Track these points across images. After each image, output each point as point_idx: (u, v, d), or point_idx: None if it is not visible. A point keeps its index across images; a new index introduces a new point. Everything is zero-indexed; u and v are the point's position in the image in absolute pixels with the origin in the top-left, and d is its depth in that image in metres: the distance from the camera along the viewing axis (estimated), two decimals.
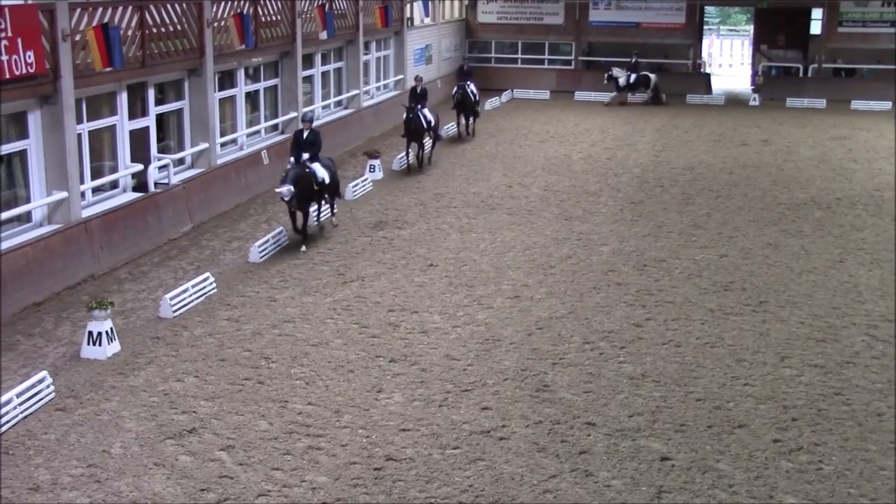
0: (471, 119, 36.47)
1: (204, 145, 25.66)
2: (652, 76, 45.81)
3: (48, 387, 14.41)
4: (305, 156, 22.38)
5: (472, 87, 35.83)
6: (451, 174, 30.15)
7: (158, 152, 24.25)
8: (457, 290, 19.44)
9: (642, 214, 25.49)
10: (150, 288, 19.45)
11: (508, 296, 19.15)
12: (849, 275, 20.80)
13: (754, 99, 47.69)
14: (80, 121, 20.76)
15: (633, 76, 45.38)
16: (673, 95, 47.19)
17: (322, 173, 22.52)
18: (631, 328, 17.58)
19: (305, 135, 22.64)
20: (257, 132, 29.66)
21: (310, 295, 19.08)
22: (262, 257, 21.36)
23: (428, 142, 31.65)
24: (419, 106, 30.21)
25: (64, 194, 19.81)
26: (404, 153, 30.83)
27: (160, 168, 23.64)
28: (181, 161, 25.23)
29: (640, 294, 19.37)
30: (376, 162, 29.51)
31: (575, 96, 48.64)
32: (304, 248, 21.88)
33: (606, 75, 45.77)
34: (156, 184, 23.31)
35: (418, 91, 30.85)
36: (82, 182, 20.83)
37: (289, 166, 22.31)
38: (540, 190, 28.02)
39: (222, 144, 27.08)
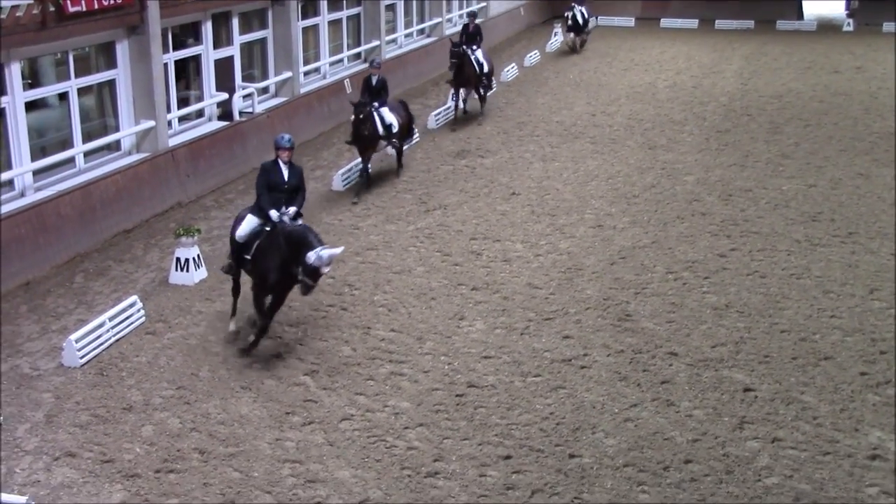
0: (480, 92, 28.04)
1: (287, 74, 25.76)
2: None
3: (138, 311, 14.77)
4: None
5: (477, 52, 27.49)
6: (533, 102, 29.89)
7: (243, 81, 24.41)
8: (539, 218, 19.37)
9: (728, 143, 25.04)
10: (235, 215, 19.69)
11: (591, 225, 19.04)
12: None
13: (848, 24, 46.25)
14: (166, 50, 20.96)
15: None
16: (762, 22, 46.02)
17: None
18: (715, 258, 17.38)
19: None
20: (340, 61, 29.67)
21: (392, 223, 19.18)
22: (345, 185, 21.48)
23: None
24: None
25: (151, 123, 20.10)
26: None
27: (244, 97, 23.82)
28: (265, 90, 25.38)
29: (724, 224, 19.11)
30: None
31: (660, 23, 47.69)
32: (355, 199, 20.44)
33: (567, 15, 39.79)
34: (240, 112, 23.50)
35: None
36: (169, 111, 21.10)
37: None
38: (624, 118, 27.67)
39: (305, 73, 27.17)
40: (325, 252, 12.70)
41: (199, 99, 22.94)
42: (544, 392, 12.85)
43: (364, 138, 20.83)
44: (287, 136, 13.80)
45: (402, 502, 10.59)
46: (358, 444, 11.65)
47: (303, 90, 26.48)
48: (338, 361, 13.65)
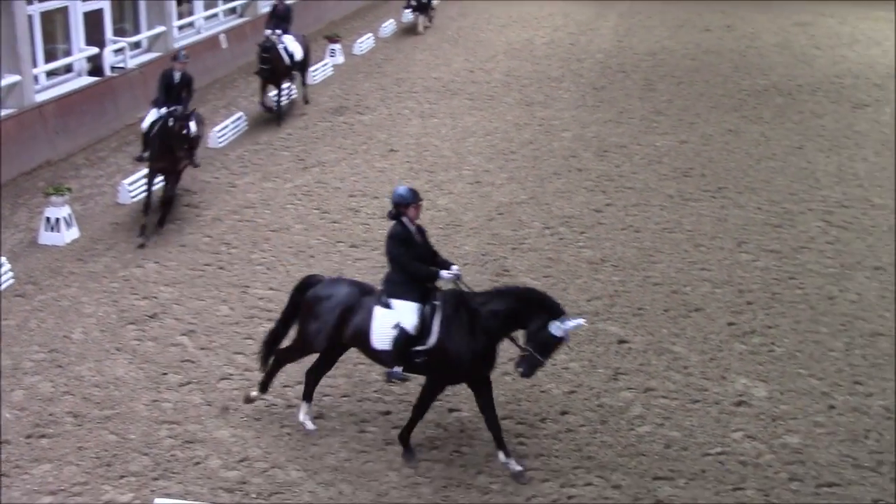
0: (284, 91, 23.34)
1: (160, 28, 25.15)
2: None
3: (6, 272, 14.35)
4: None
5: (286, 39, 22.94)
6: (412, 59, 29.80)
7: (114, 35, 23.74)
8: (417, 175, 19.40)
9: (604, 100, 25.41)
10: (108, 174, 19.26)
11: (469, 181, 19.16)
12: (807, 161, 20.96)
13: None
14: (30, 1, 20.24)
15: None
16: None
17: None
18: (591, 213, 17.69)
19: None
20: (215, 15, 29.07)
21: (270, 180, 18.98)
22: (221, 143, 21.15)
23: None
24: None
25: (16, 78, 19.42)
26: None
27: (116, 52, 23.17)
28: (137, 45, 24.73)
29: (600, 180, 19.44)
30: (337, 46, 29.05)
31: None
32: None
33: None
34: (112, 68, 22.87)
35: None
36: (35, 65, 20.41)
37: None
38: (501, 75, 27.80)
39: (179, 28, 26.55)
40: (572, 322, 9.98)
41: (68, 53, 22.24)
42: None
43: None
44: (409, 190, 10.69)
45: (281, 460, 10.58)
46: (237, 403, 11.58)
47: (176, 45, 25.87)
48: (215, 321, 13.51)
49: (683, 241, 16.58)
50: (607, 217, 17.56)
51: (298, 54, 23.13)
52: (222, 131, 21.37)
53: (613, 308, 14.22)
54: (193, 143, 16.60)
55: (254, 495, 10.05)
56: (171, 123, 16.00)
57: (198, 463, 10.49)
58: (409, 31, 33.58)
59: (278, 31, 22.75)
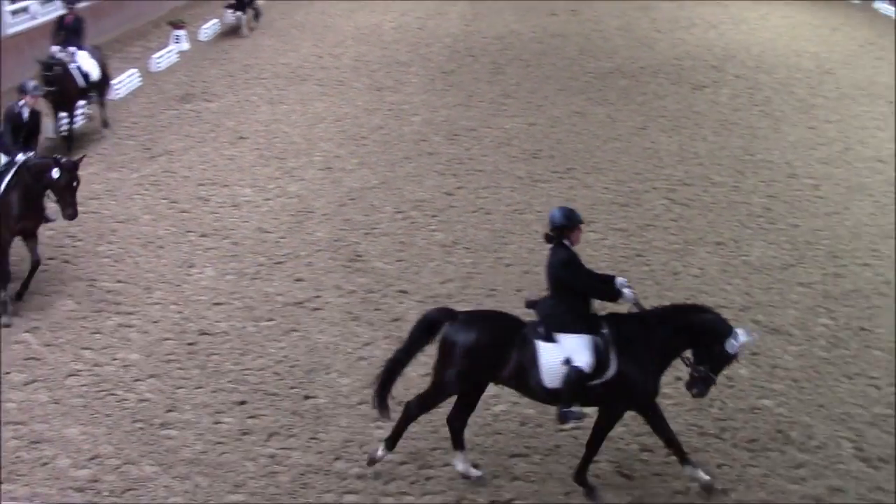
0: (78, 114, 20.03)
1: None
2: None
3: None
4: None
5: (79, 61, 19.32)
6: (259, 45, 29.40)
7: None
8: (268, 162, 19.19)
9: (453, 84, 25.57)
10: None
11: (320, 167, 19.05)
12: (651, 141, 21.55)
13: None
14: None
15: None
16: None
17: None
18: (442, 197, 17.82)
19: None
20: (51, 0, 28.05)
21: (115, 171, 18.48)
22: (62, 132, 20.43)
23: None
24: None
25: None
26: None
27: None
28: None
29: (450, 163, 19.59)
30: (182, 32, 28.42)
31: None
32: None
33: None
34: None
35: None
36: None
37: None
38: (350, 60, 27.70)
39: (13, 13, 25.54)
40: (747, 338, 9.78)
41: None
42: (277, 336, 12.86)
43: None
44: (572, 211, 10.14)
45: (134, 455, 10.36)
46: (86, 399, 11.28)
47: (10, 31, 24.89)
48: (61, 316, 13.11)
49: (534, 222, 16.85)
50: (458, 200, 17.71)
51: (95, 73, 19.49)
52: (61, 121, 20.66)
53: (466, 290, 14.37)
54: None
55: (106, 493, 9.81)
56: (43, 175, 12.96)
57: (45, 463, 10.18)
58: (232, 33, 30.12)
59: (70, 49, 19.02)
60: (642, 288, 14.58)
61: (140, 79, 23.98)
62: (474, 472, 10.30)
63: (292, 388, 11.73)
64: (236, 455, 10.48)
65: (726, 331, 9.67)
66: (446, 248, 15.73)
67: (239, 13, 30.19)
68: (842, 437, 11.37)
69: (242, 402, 11.39)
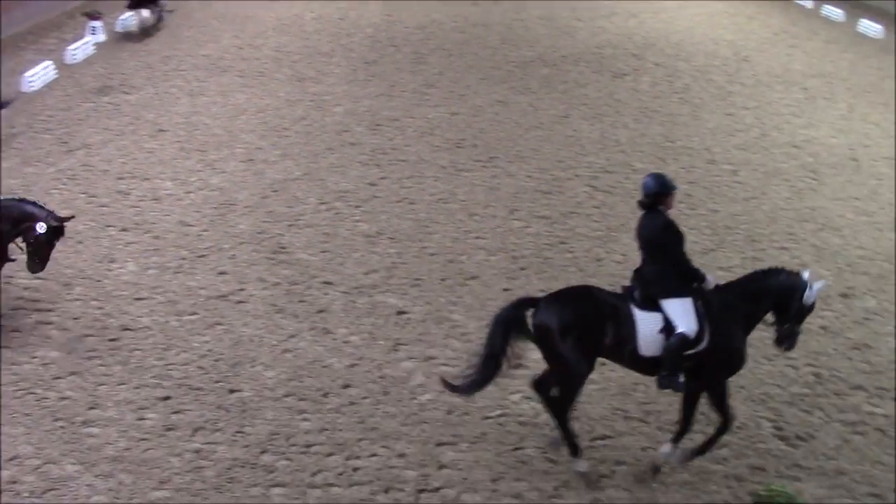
0: None
1: None
2: None
3: None
4: None
5: None
6: (178, 36, 28.97)
7: None
8: (189, 154, 18.95)
9: (375, 74, 25.49)
10: None
11: (242, 159, 18.87)
12: (573, 129, 21.71)
13: None
14: None
15: None
16: None
17: None
18: (366, 187, 17.77)
19: None
20: None
21: (31, 165, 18.09)
22: None
23: None
24: None
25: None
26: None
27: None
28: None
29: (374, 153, 19.54)
30: (98, 23, 27.87)
31: None
32: None
33: None
34: None
35: None
36: None
37: None
38: (271, 51, 27.42)
39: None
40: (818, 284, 10.24)
41: None
42: (201, 329, 12.74)
43: None
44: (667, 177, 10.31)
45: (55, 455, 10.19)
46: (4, 399, 11.06)
47: None
48: None
49: (458, 211, 16.90)
50: (382, 190, 17.69)
51: None
52: None
53: (391, 280, 14.37)
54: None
55: (26, 494, 9.65)
56: None
57: None
58: (131, 36, 27.75)
59: None
60: (566, 275, 14.75)
61: (55, 71, 23.49)
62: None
63: (217, 382, 11.64)
64: (161, 451, 10.37)
65: (803, 285, 10.05)
66: (370, 239, 15.70)
67: (145, 12, 28.21)
68: (761, 417, 11.60)
69: (166, 398, 11.27)
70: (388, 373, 12.03)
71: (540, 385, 10.34)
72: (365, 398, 11.48)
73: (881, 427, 11.45)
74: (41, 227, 11.89)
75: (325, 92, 23.62)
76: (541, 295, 10.43)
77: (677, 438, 10.36)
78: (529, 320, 9.97)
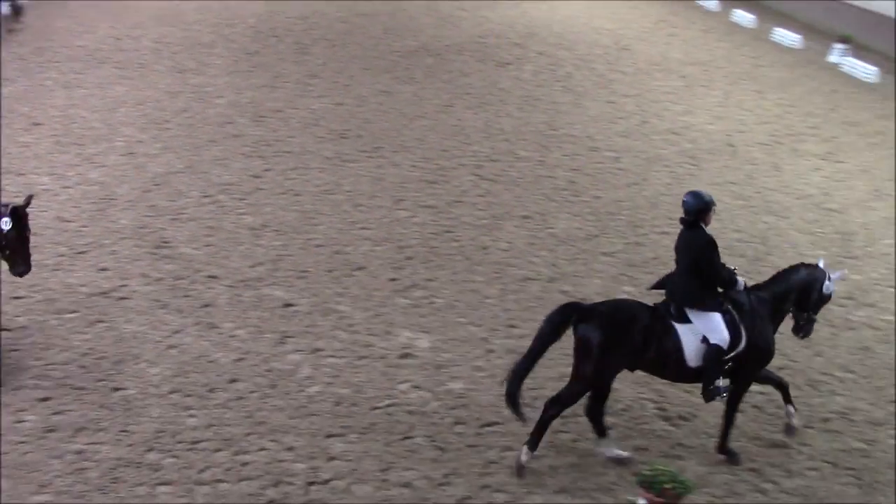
0: None
1: None
2: None
3: None
4: None
5: None
6: (52, 26, 28.20)
7: None
8: (66, 148, 18.47)
9: (258, 65, 25.22)
10: None
11: (122, 153, 18.46)
12: (457, 118, 21.81)
13: None
14: None
15: None
16: None
17: None
18: (250, 179, 17.58)
19: None
20: None
21: None
22: None
23: None
24: None
25: None
26: None
27: None
28: None
29: (257, 145, 19.33)
30: None
31: None
32: None
33: None
34: None
35: None
36: None
37: None
38: (151, 42, 26.91)
39: None
40: (836, 274, 11.07)
41: None
42: (82, 328, 12.43)
43: None
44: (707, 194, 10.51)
45: None
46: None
47: None
48: None
49: (343, 202, 16.83)
50: (266, 182, 17.51)
51: None
52: None
53: (277, 272, 14.24)
54: None
55: None
56: None
57: None
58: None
59: None
60: (453, 263, 14.83)
61: None
62: (623, 454, 10.53)
63: (100, 380, 11.37)
64: (41, 454, 10.08)
65: (822, 277, 10.76)
66: (255, 232, 15.53)
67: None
68: (645, 399, 11.82)
69: (46, 399, 10.95)
70: (275, 366, 11.92)
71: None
72: (252, 392, 11.36)
73: (758, 404, 11.77)
74: (5, 223, 10.78)
75: (206, 83, 23.28)
76: (584, 302, 10.83)
77: (723, 441, 10.75)
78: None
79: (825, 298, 10.92)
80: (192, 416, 10.84)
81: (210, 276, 13.96)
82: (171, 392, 11.21)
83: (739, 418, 11.25)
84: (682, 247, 10.47)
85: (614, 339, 10.01)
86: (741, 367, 10.46)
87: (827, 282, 10.78)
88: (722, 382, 10.39)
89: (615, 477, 10.35)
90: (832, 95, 26.51)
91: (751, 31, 34.42)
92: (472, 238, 15.83)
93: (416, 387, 11.63)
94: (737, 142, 21.73)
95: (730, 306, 10.32)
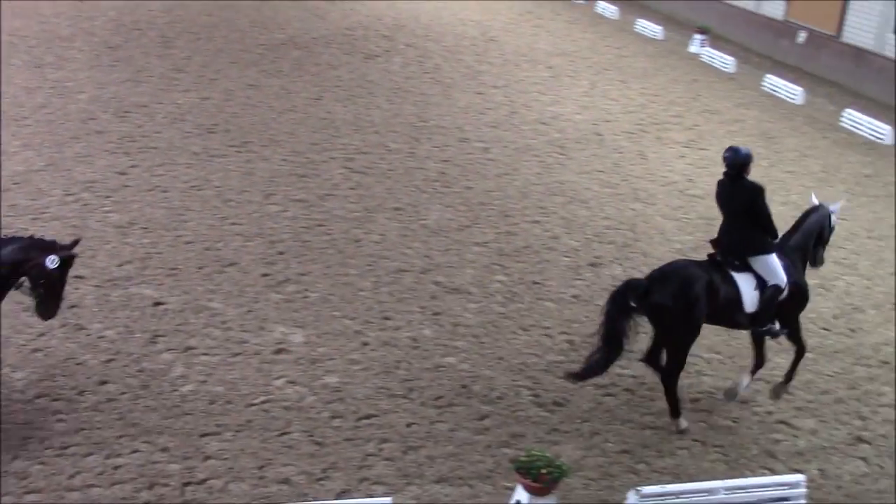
0: None
1: None
2: None
3: None
4: None
5: None
6: None
7: None
8: None
9: (120, 59, 24.59)
10: None
11: None
12: (326, 111, 21.68)
13: None
14: None
15: None
16: None
17: None
18: (115, 176, 17.15)
19: None
20: None
21: None
22: None
23: None
24: None
25: None
26: None
27: None
28: None
29: (122, 141, 18.87)
30: None
31: None
32: None
33: None
34: None
35: None
36: None
37: None
38: (5, 36, 25.96)
39: None
40: (836, 205, 12.12)
41: None
42: None
43: None
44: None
45: None
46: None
47: None
48: None
49: (213, 198, 16.57)
50: (133, 179, 17.11)
51: None
52: None
53: (146, 270, 13.94)
54: None
55: None
56: None
57: None
58: None
59: None
60: (325, 257, 14.76)
61: None
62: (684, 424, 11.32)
63: None
64: None
65: (828, 213, 11.79)
66: (122, 230, 15.17)
67: None
68: (520, 386, 11.98)
69: None
70: (146, 366, 11.67)
71: (650, 358, 11.26)
72: (123, 393, 11.10)
73: (629, 387, 12.05)
74: (52, 262, 10.04)
75: (66, 78, 22.61)
76: (640, 277, 11.69)
77: (755, 371, 11.84)
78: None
79: (832, 230, 11.97)
80: (60, 420, 10.54)
81: (76, 277, 13.48)
82: (38, 397, 10.89)
83: (611, 402, 11.53)
84: (728, 198, 11.09)
85: (685, 299, 10.60)
86: (784, 312, 11.25)
87: (833, 215, 11.86)
88: (776, 325, 11.27)
89: (492, 464, 10.48)
90: (693, 85, 27.27)
91: (614, 22, 35.15)
92: (345, 231, 15.77)
93: (291, 382, 11.55)
94: (604, 131, 22.15)
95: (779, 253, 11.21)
